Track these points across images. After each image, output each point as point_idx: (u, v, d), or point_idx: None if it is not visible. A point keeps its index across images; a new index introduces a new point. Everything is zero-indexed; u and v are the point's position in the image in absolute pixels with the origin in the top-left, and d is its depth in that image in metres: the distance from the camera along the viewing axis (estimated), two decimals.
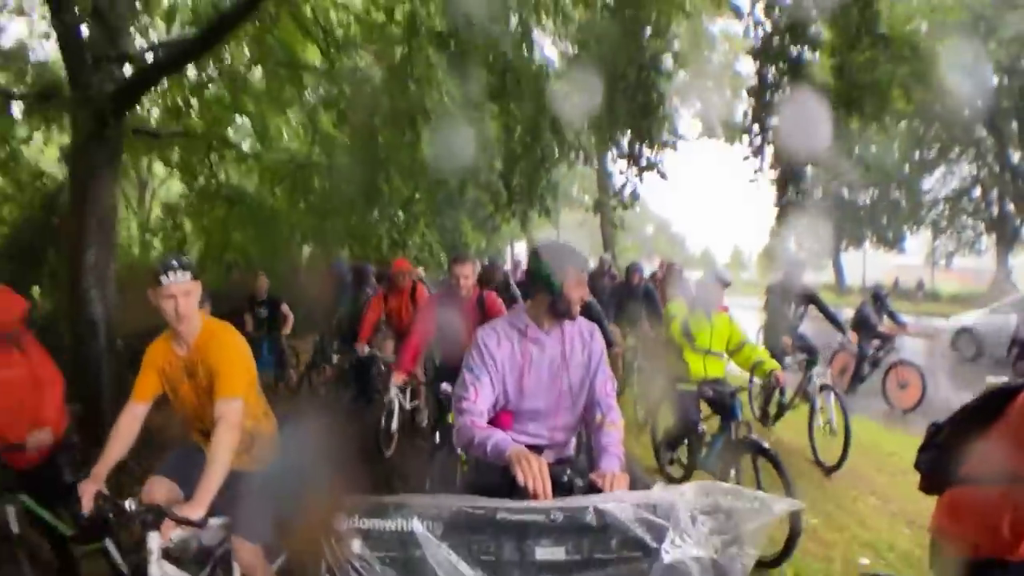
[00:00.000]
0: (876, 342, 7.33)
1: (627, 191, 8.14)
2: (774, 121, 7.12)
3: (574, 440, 2.23)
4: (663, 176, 8.47)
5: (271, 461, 2.47)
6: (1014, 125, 19.50)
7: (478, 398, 1.93)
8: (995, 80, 17.86)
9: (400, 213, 8.31)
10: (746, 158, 8.04)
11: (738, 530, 1.35)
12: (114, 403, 4.47)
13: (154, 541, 1.99)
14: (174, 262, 2.14)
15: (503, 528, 1.42)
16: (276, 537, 2.48)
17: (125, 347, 5.20)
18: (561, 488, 1.58)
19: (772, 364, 3.82)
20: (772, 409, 5.76)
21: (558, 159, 7.65)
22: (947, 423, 1.85)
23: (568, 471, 1.64)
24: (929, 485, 1.86)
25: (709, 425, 4.04)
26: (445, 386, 3.47)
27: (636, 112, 7.35)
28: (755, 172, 7.77)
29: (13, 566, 2.54)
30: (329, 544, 1.40)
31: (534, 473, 1.52)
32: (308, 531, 1.66)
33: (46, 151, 7.28)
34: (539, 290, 2.00)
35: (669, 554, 1.35)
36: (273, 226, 8.40)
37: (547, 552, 1.41)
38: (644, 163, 7.79)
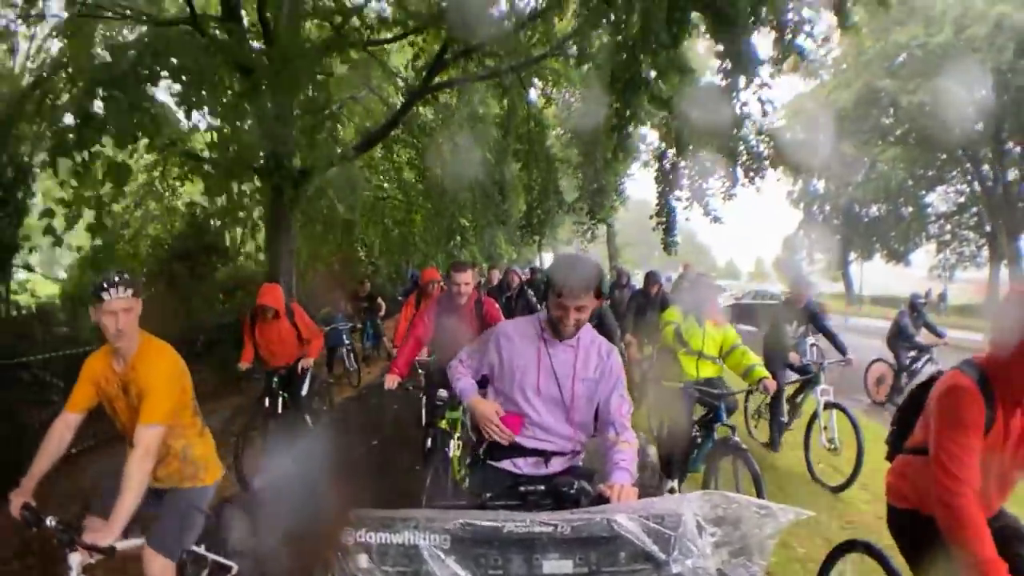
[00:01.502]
0: (913, 353, 7.34)
1: (588, 233, 12.86)
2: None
3: (583, 455, 2.21)
4: (610, 227, 14.49)
5: (207, 480, 2.49)
6: (987, 151, 21.28)
7: (469, 361, 2.21)
8: (972, 108, 19.36)
9: (458, 237, 12.89)
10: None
11: (745, 540, 1.33)
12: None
13: (74, 559, 1.99)
14: (115, 278, 2.11)
15: (510, 541, 1.41)
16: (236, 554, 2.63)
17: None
18: (569, 500, 1.57)
19: (762, 372, 3.79)
20: (758, 424, 5.69)
21: (558, 208, 12.64)
22: (901, 406, 2.20)
23: (576, 483, 1.63)
24: (888, 456, 2.21)
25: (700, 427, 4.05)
26: (443, 392, 3.47)
27: (594, 191, 11.87)
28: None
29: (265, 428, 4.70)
30: (335, 557, 1.40)
31: (492, 428, 1.86)
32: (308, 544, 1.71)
33: (189, 188, 10.79)
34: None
35: (677, 565, 1.33)
36: (353, 241, 12.45)
37: (555, 566, 1.40)
38: (599, 216, 12.63)
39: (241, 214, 10.18)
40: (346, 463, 4.64)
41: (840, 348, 5.12)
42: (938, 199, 25.27)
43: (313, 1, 8.40)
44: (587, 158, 11.24)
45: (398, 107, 9.90)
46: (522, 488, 1.62)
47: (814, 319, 5.30)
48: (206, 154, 8.70)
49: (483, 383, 2.18)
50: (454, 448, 3.49)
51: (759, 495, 3.24)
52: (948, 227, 25.13)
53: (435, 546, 1.41)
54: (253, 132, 7.09)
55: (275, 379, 4.64)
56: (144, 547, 2.27)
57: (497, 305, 3.79)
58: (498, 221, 12.31)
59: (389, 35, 9.44)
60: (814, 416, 4.90)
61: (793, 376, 5.29)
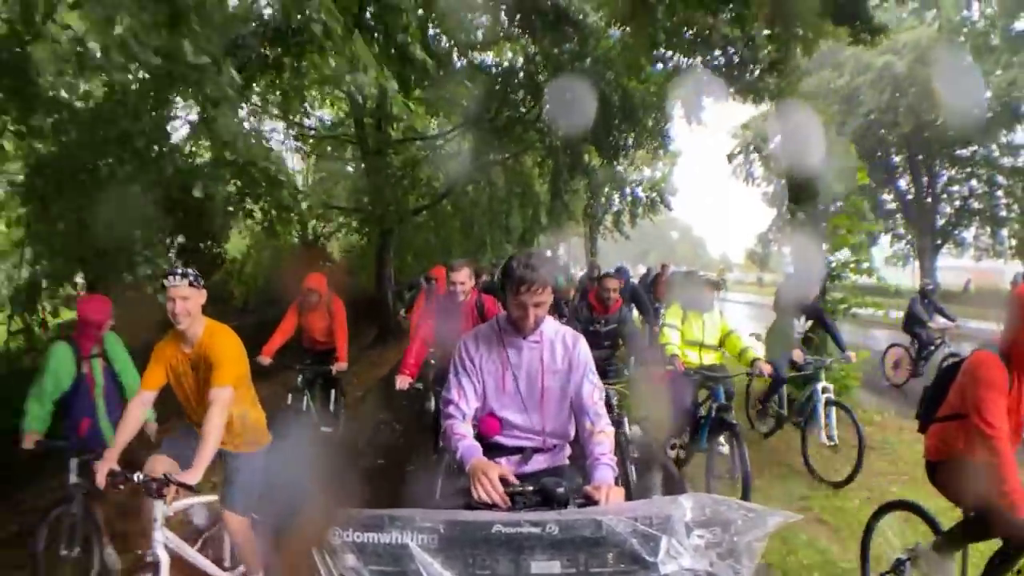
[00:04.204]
0: (927, 336, 7.84)
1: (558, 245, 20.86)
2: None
3: (568, 448, 2.21)
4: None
5: (262, 444, 2.91)
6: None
7: (460, 401, 2.01)
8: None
9: (483, 250, 18.15)
10: None
11: (734, 542, 1.35)
12: (396, 328, 12.25)
13: (159, 510, 2.39)
14: (178, 271, 2.53)
15: (499, 542, 1.40)
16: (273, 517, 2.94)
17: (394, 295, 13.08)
18: (557, 501, 1.57)
19: (754, 354, 4.18)
20: (762, 419, 5.81)
21: (540, 231, 19.28)
22: (931, 385, 2.68)
23: (564, 484, 1.63)
24: (920, 426, 2.69)
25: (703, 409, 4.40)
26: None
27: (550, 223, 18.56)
28: None
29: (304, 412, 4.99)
30: (322, 557, 1.38)
31: (486, 489, 1.61)
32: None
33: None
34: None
35: (665, 567, 1.35)
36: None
37: (543, 566, 1.40)
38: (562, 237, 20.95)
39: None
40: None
41: (840, 344, 5.20)
42: (889, 196, 27.25)
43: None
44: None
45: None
46: (510, 489, 1.62)
47: (818, 316, 5.41)
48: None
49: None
50: None
51: (743, 468, 3.56)
52: (901, 221, 27.34)
53: (423, 546, 1.40)
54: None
55: (303, 378, 5.02)
56: (223, 512, 2.75)
57: (499, 303, 3.72)
58: (505, 239, 18.63)
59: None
60: (813, 412, 4.92)
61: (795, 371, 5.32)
